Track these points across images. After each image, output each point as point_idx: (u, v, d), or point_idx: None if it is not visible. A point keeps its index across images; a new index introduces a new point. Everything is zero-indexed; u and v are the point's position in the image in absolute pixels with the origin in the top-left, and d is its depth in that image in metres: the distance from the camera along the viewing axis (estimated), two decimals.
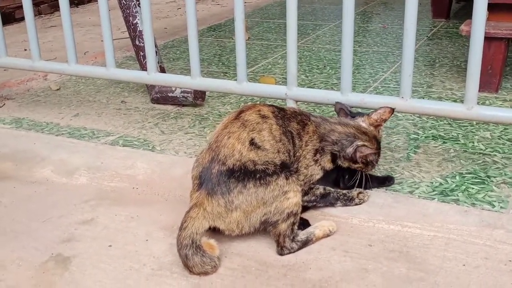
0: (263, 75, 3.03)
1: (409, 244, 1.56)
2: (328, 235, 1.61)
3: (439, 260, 1.49)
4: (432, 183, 1.87)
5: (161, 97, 2.63)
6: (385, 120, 1.77)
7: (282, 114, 1.66)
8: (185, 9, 2.12)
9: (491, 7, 2.60)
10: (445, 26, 4.05)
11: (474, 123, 2.28)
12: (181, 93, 2.57)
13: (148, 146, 2.23)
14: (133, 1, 2.59)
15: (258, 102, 1.67)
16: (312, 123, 1.71)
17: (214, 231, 1.55)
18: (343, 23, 1.85)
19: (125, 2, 2.60)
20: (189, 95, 2.56)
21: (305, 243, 1.57)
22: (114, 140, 2.30)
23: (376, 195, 1.81)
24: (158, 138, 2.30)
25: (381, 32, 3.93)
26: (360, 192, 1.76)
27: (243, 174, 1.51)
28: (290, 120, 1.67)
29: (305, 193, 1.68)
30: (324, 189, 1.73)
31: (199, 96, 2.57)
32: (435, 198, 1.78)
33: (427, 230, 1.62)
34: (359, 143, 1.69)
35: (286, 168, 1.56)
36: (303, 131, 1.68)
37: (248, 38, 3.90)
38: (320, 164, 1.70)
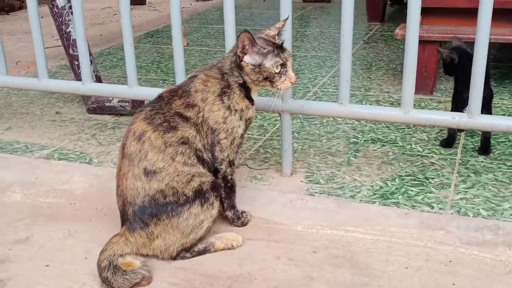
0: None
1: (353, 249, 1.57)
2: (230, 249, 1.59)
3: (382, 264, 1.51)
4: (373, 186, 1.89)
5: (97, 107, 2.55)
6: (279, 28, 1.66)
7: (157, 107, 1.56)
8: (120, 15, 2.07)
9: (424, 11, 2.65)
10: (380, 29, 4.14)
11: (412, 125, 2.33)
12: (118, 102, 2.51)
13: (85, 159, 2.16)
14: (66, 9, 2.51)
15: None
16: (199, 78, 1.60)
17: None
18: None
19: (57, 10, 2.52)
20: (127, 104, 2.50)
21: (201, 253, 1.57)
22: (49, 153, 2.22)
23: (319, 201, 1.81)
24: (95, 150, 2.23)
25: (318, 37, 3.97)
26: (243, 212, 1.72)
27: (155, 208, 1.50)
28: (170, 102, 1.57)
29: (229, 163, 1.63)
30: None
31: (138, 105, 2.51)
32: (376, 202, 1.80)
33: (369, 234, 1.63)
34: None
35: (200, 195, 1.52)
36: (191, 96, 1.57)
37: (187, 44, 3.86)
38: (235, 110, 1.59)
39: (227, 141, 1.60)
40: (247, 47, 1.56)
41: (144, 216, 1.50)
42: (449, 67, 2.18)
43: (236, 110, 1.60)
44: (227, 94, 1.59)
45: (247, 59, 1.57)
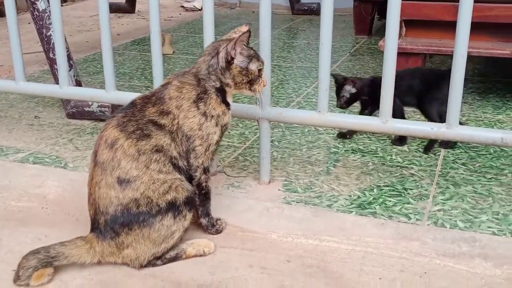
0: None
1: (327, 259, 1.55)
2: (201, 255, 1.56)
3: (356, 274, 1.48)
4: (351, 196, 1.87)
5: (77, 111, 2.52)
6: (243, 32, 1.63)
7: (130, 114, 1.52)
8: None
9: (408, 23, 2.67)
10: (367, 42, 4.14)
11: (392, 136, 2.31)
12: (98, 107, 2.48)
13: (61, 163, 2.12)
14: (47, 13, 2.48)
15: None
16: (173, 84, 1.57)
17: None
18: (260, 38, 1.83)
19: (38, 14, 2.49)
20: (106, 109, 2.47)
21: (172, 260, 1.54)
22: (24, 157, 2.18)
23: (295, 210, 1.79)
24: (71, 155, 2.19)
25: (305, 48, 3.97)
26: (218, 219, 1.69)
27: (127, 218, 1.46)
28: (144, 110, 1.53)
29: (204, 170, 1.59)
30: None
31: None
32: (353, 211, 1.78)
33: (344, 244, 1.61)
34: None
35: (173, 208, 1.49)
36: (165, 103, 1.54)
37: (173, 52, 3.84)
38: (211, 116, 1.56)
39: (202, 148, 1.57)
40: (242, 49, 1.57)
41: (116, 226, 1.46)
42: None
43: (212, 116, 1.57)
44: (203, 100, 1.57)
45: (237, 60, 1.57)
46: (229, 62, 1.57)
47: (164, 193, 1.48)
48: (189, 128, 1.55)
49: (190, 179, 1.58)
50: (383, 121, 1.77)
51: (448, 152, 2.20)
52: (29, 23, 4.44)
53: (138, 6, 5.71)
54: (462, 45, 1.65)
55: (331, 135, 2.37)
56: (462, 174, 2.03)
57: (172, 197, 1.49)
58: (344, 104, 2.31)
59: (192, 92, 1.57)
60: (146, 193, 1.46)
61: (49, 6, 2.47)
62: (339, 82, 2.31)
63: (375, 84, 2.20)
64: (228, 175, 2.02)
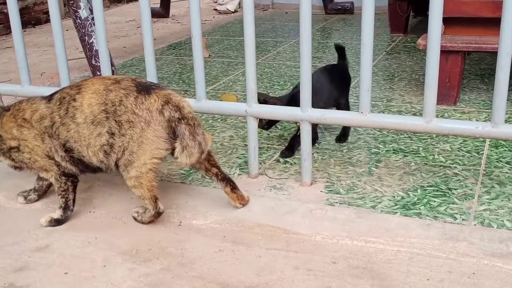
0: (224, 93, 3.01)
1: (373, 260, 1.54)
2: None
3: (403, 275, 1.48)
4: (394, 197, 1.86)
5: None
6: None
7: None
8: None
9: (447, 21, 2.64)
10: (403, 40, 4.11)
11: (434, 136, 2.29)
12: None
13: None
14: (89, 20, 2.54)
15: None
16: None
17: None
18: (300, 38, 1.84)
19: (80, 22, 2.55)
20: None
21: None
22: None
23: (339, 211, 1.79)
24: None
25: None
26: None
27: None
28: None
29: None
30: None
31: None
32: (397, 212, 1.77)
33: (390, 245, 1.61)
34: None
35: None
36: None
37: (209, 55, 3.87)
38: None
39: None
40: None
41: None
42: None
43: None
44: None
45: None
46: None
47: None
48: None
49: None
50: (427, 121, 1.76)
51: (492, 150, 2.17)
52: (67, 30, 4.54)
53: (172, 11, 5.78)
54: (507, 42, 1.62)
55: (371, 136, 2.36)
56: (507, 173, 1.99)
57: None
58: (265, 125, 2.20)
59: None
60: None
61: (91, 14, 2.53)
62: (260, 102, 2.05)
63: (295, 100, 2.01)
64: (270, 177, 2.03)
